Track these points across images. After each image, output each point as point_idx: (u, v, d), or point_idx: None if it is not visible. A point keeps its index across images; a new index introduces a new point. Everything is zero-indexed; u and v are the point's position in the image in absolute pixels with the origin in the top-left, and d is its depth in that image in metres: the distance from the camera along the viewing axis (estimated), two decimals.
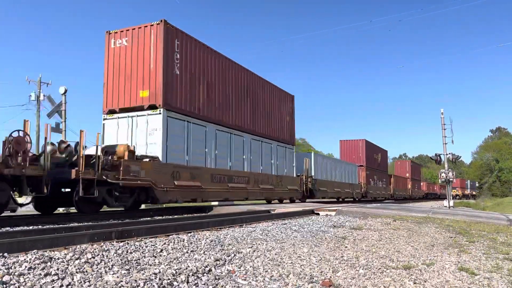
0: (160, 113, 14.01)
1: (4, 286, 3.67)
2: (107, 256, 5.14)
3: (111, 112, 14.83)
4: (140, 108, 14.33)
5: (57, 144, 11.38)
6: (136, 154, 13.06)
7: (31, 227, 8.48)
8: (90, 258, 4.89)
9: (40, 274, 4.05)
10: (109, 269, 4.49)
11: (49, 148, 10.50)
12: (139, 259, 5.12)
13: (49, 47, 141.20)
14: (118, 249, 5.65)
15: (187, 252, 5.78)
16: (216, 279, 4.35)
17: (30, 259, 4.58)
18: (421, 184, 70.84)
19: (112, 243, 6.20)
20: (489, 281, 4.78)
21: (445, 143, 29.21)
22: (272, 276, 4.59)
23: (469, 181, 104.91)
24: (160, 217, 12.25)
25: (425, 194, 71.44)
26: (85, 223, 9.48)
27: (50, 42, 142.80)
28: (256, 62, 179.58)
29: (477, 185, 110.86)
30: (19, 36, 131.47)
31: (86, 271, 4.32)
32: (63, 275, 4.07)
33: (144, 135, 14.22)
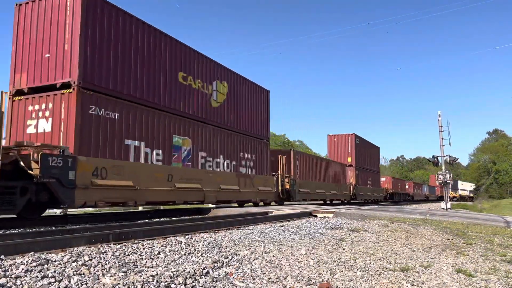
0: None
1: None
2: (104, 258, 5.13)
3: None
4: None
5: None
6: None
7: (28, 230, 8.45)
8: (87, 261, 4.88)
9: (37, 276, 4.04)
10: (106, 271, 4.48)
11: None
12: (136, 261, 5.11)
13: None
14: (116, 251, 5.64)
15: (184, 254, 5.77)
16: (213, 281, 4.34)
17: (27, 261, 4.56)
18: (382, 179, 47.46)
19: (109, 245, 6.19)
20: (486, 283, 4.79)
21: (443, 145, 29.25)
22: (270, 278, 4.59)
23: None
24: (158, 219, 12.22)
25: (388, 194, 48.26)
26: (82, 225, 9.45)
27: None
28: (254, 64, 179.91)
29: (461, 184, 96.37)
30: None
31: (83, 274, 4.31)
32: (60, 278, 4.06)
33: None
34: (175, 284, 4.11)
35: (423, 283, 4.66)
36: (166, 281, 4.14)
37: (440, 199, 67.74)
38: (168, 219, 12.57)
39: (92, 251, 5.49)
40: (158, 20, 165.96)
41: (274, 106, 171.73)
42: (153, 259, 5.33)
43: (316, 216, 14.17)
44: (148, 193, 12.74)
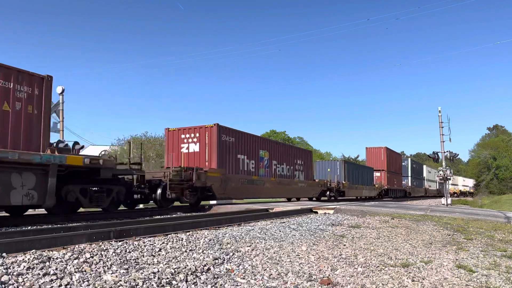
0: None
1: (3, 286, 3.66)
2: (105, 255, 5.13)
3: None
4: None
5: (54, 144, 11.34)
6: None
7: (29, 227, 8.46)
8: (88, 258, 4.89)
9: (39, 274, 4.05)
10: (107, 268, 4.49)
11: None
12: (137, 259, 5.12)
13: (47, 44, 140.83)
14: (117, 248, 5.65)
15: (185, 251, 5.79)
16: (215, 278, 4.35)
17: (28, 259, 4.57)
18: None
19: (110, 242, 6.20)
20: (487, 278, 4.80)
21: (443, 141, 29.26)
22: (271, 274, 4.60)
23: (409, 162, 52.40)
24: (159, 217, 12.24)
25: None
26: (83, 223, 9.47)
27: (47, 39, 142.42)
28: (252, 62, 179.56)
29: (427, 172, 61.46)
30: (16, 32, 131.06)
31: (85, 271, 4.32)
32: (62, 275, 4.07)
33: None
34: (176, 281, 4.12)
35: (423, 279, 4.67)
36: (168, 278, 4.15)
37: (387, 194, 41.53)
38: (168, 216, 12.58)
39: (93, 249, 5.50)
40: (156, 14, 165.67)
41: (275, 103, 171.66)
42: (154, 256, 5.34)
43: (316, 212, 14.19)
44: None
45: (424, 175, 60.93)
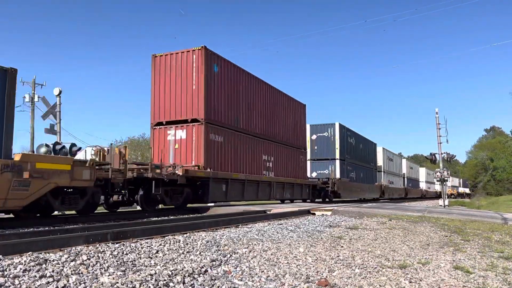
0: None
1: None
2: (102, 257, 5.12)
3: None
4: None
5: (51, 146, 11.32)
6: None
7: (26, 229, 8.43)
8: (85, 260, 4.87)
9: (35, 276, 4.03)
10: (104, 270, 4.48)
11: (43, 149, 10.57)
12: (134, 260, 5.11)
13: (44, 48, 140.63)
14: (114, 250, 5.63)
15: (183, 253, 5.77)
16: (212, 279, 4.34)
17: (25, 261, 4.55)
18: None
19: (107, 244, 6.18)
20: (484, 279, 4.81)
21: (440, 143, 29.35)
22: (268, 276, 4.59)
23: (335, 129, 26.86)
24: (156, 218, 12.22)
25: None
26: (80, 225, 9.44)
27: (44, 42, 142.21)
28: (252, 62, 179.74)
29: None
30: (14, 35, 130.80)
31: (82, 273, 4.30)
32: (58, 277, 4.05)
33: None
34: (173, 283, 4.11)
35: (421, 280, 4.67)
36: (165, 280, 4.14)
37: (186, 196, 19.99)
38: (166, 218, 12.56)
39: (90, 251, 5.48)
40: (155, 15, 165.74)
41: None
42: (151, 258, 5.33)
43: (314, 214, 14.19)
44: None
45: (380, 163, 36.33)
